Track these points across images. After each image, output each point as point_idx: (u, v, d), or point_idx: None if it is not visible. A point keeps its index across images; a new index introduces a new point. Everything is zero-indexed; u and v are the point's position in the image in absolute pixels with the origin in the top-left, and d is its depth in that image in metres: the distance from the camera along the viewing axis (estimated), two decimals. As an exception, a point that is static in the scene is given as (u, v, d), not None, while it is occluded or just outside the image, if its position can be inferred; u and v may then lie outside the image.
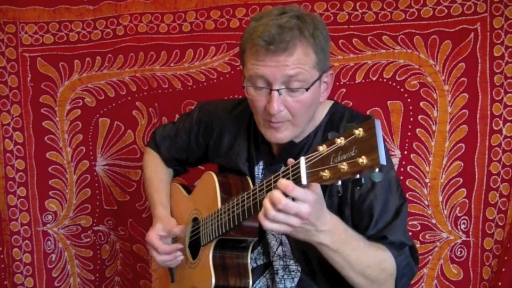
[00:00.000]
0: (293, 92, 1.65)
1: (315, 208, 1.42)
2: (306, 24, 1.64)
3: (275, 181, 1.45)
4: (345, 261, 1.57)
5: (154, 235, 1.92)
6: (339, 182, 1.32)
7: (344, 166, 1.27)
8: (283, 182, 1.40)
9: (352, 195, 1.70)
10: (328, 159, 1.31)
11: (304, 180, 1.37)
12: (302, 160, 1.38)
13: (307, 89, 1.65)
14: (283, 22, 1.62)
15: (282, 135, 1.72)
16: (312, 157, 1.35)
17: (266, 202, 1.42)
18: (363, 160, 1.23)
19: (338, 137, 1.29)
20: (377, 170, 1.23)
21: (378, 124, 1.22)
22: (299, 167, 1.38)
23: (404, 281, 1.68)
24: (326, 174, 1.31)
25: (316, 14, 1.74)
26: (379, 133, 1.22)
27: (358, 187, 1.29)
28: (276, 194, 1.40)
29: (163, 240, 1.93)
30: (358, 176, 1.27)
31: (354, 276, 1.60)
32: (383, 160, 1.20)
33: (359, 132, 1.25)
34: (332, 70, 1.77)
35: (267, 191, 1.48)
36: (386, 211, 1.69)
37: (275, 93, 1.64)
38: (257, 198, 1.53)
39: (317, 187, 1.42)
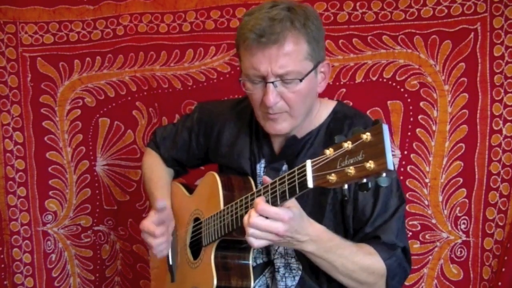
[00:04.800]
0: (287, 83, 1.67)
1: (290, 224, 1.49)
2: (297, 15, 1.65)
3: (280, 183, 1.48)
4: (331, 266, 1.64)
5: (148, 221, 1.91)
6: (346, 186, 1.33)
7: (351, 170, 1.27)
8: (255, 202, 1.49)
9: (355, 194, 1.71)
10: (335, 162, 1.31)
11: (310, 184, 1.38)
12: (308, 163, 1.39)
13: (301, 80, 1.66)
14: (274, 14, 1.63)
15: (280, 126, 1.73)
16: (319, 161, 1.36)
17: (245, 219, 1.51)
18: (370, 164, 1.23)
19: (345, 141, 1.30)
20: (384, 174, 1.23)
21: (386, 129, 1.23)
22: (305, 170, 1.39)
23: (396, 280, 1.71)
24: (332, 178, 1.32)
25: (308, 6, 1.75)
26: (387, 138, 1.22)
27: (365, 191, 1.29)
28: (252, 213, 1.50)
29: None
30: (364, 180, 1.28)
31: (342, 278, 1.67)
32: (390, 165, 1.21)
33: (366, 136, 1.25)
34: (328, 61, 1.78)
35: (272, 193, 1.51)
36: (385, 211, 1.71)
37: (270, 86, 1.66)
38: None
39: (293, 203, 1.51)
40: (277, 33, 1.62)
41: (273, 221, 1.48)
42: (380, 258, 1.67)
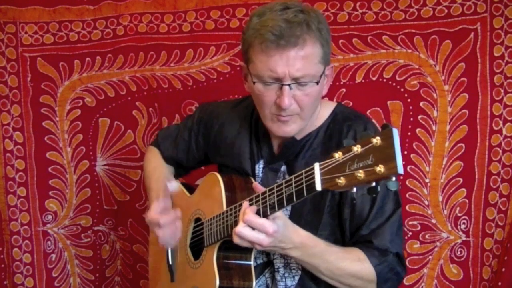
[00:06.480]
0: (302, 86, 1.66)
1: (274, 237, 1.55)
2: (311, 18, 1.65)
3: (287, 186, 1.49)
4: (315, 269, 1.68)
5: (152, 212, 1.87)
6: (354, 189, 1.33)
7: (360, 174, 1.28)
8: (244, 211, 1.55)
9: (352, 199, 1.71)
10: (344, 166, 1.32)
11: (318, 186, 1.39)
12: (317, 166, 1.40)
13: (317, 83, 1.67)
14: (291, 17, 1.62)
15: (289, 128, 1.73)
16: (327, 164, 1.36)
17: (235, 228, 1.57)
18: (380, 168, 1.23)
19: (354, 145, 1.30)
20: (394, 178, 1.24)
21: (396, 133, 1.23)
22: (313, 173, 1.40)
23: (389, 284, 1.73)
24: (341, 181, 1.32)
25: (316, 9, 1.75)
26: (397, 142, 1.22)
27: (374, 195, 1.30)
28: (240, 222, 1.55)
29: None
30: (374, 184, 1.28)
31: (329, 281, 1.70)
32: (401, 170, 1.21)
33: (376, 140, 1.25)
34: (332, 64, 1.78)
35: (277, 195, 1.51)
36: (381, 214, 1.72)
37: (286, 88, 1.65)
38: (267, 202, 1.54)
39: (278, 212, 1.55)
40: (296, 36, 1.61)
41: (258, 233, 1.53)
42: (370, 264, 1.68)
